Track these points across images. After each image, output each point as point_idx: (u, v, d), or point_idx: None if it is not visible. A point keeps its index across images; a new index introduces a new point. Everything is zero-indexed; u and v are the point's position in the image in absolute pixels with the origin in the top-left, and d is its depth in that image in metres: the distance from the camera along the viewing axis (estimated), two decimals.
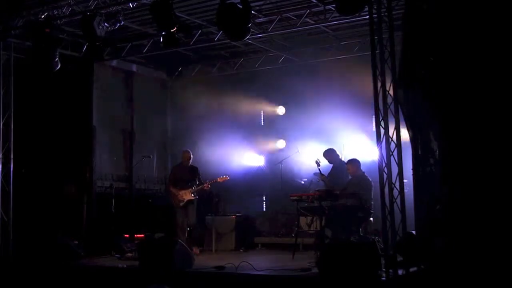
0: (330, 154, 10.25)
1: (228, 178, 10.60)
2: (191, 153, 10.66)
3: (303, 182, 11.41)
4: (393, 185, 7.33)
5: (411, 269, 6.89)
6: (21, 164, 10.28)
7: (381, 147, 7.45)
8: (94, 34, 8.63)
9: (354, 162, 9.63)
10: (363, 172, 9.52)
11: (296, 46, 11.77)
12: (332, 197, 9.16)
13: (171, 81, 13.52)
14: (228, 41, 10.42)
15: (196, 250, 10.13)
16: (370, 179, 9.27)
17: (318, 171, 9.96)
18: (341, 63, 11.14)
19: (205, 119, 12.90)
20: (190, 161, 10.59)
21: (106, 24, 8.76)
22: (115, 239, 10.41)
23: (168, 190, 10.71)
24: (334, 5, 8.69)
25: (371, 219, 9.25)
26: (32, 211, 10.60)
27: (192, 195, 10.33)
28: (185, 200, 10.31)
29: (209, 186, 10.47)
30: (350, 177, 9.62)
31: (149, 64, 12.90)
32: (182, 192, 10.34)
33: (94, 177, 11.50)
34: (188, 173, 10.49)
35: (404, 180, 7.42)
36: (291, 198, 9.77)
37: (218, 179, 10.53)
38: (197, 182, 10.40)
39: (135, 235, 11.43)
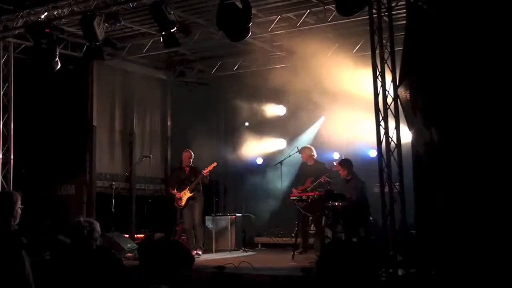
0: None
1: (216, 164, 10.39)
2: (191, 152, 10.57)
3: None
4: (393, 185, 7.34)
5: (411, 269, 6.89)
6: (21, 164, 10.28)
7: (381, 147, 7.45)
8: (94, 34, 8.64)
9: (346, 164, 9.55)
10: (354, 172, 9.49)
11: (296, 46, 11.75)
12: (332, 197, 9.16)
13: (171, 81, 13.51)
14: (228, 41, 10.40)
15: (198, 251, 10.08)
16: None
17: None
18: (341, 62, 11.13)
19: (205, 119, 12.89)
20: (191, 160, 10.49)
21: (106, 24, 8.77)
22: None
23: (170, 193, 10.68)
24: (334, 5, 8.69)
25: (371, 218, 9.26)
26: (32, 211, 10.58)
27: (191, 193, 10.24)
28: (185, 200, 10.25)
29: (207, 175, 10.21)
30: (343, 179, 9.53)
31: (149, 64, 12.89)
32: (181, 194, 10.29)
33: (94, 177, 11.50)
34: (190, 175, 10.38)
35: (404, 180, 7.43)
36: (291, 198, 9.77)
37: (207, 169, 10.25)
38: (193, 180, 10.26)
39: (135, 235, 11.43)
